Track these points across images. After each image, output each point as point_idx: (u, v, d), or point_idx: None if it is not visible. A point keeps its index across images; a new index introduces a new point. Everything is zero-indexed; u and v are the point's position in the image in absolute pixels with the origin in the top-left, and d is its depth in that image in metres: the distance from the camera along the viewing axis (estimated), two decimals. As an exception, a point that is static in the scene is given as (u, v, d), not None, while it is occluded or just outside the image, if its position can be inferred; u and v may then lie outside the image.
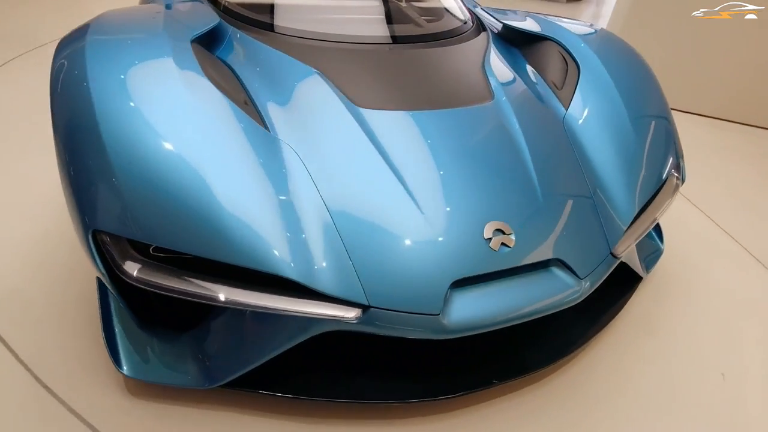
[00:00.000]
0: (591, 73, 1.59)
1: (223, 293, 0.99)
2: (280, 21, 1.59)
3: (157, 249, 1.02)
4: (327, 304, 1.01)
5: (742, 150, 2.96)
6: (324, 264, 1.02)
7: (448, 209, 1.13)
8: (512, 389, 1.32)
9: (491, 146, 1.31)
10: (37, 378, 1.22)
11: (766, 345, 1.55)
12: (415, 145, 1.24)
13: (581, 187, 1.32)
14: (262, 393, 1.14)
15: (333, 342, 1.22)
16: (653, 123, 1.55)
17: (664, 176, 1.47)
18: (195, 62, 1.23)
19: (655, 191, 1.46)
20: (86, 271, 1.49)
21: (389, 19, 1.81)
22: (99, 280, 1.28)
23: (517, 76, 1.62)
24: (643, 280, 1.65)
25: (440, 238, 1.08)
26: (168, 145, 1.03)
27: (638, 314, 1.60)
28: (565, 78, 1.62)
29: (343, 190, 1.12)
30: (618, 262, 1.29)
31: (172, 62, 1.19)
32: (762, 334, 1.59)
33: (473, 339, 1.16)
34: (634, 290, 1.56)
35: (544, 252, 1.15)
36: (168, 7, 1.60)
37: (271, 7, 1.67)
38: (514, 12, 2.09)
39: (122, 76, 1.12)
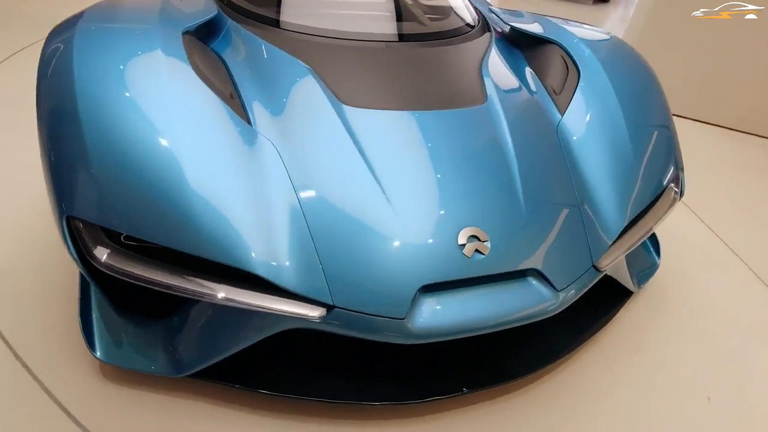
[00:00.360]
0: (591, 79, 1.54)
1: (188, 284, 1.00)
2: (276, 15, 1.58)
3: (128, 238, 1.04)
4: (292, 301, 1.01)
5: (755, 162, 2.85)
6: (292, 261, 1.02)
7: (422, 213, 1.11)
8: (489, 397, 1.30)
9: (476, 150, 1.29)
10: (15, 354, 1.25)
11: (760, 369, 1.49)
12: (397, 146, 1.22)
13: (568, 196, 1.28)
14: (232, 386, 1.15)
15: (309, 339, 1.22)
16: (653, 132, 1.50)
17: (660, 188, 1.42)
18: (183, 54, 1.24)
19: (650, 204, 1.41)
20: (75, 254, 1.52)
21: (389, 17, 1.79)
22: None
23: (514, 79, 1.58)
24: (636, 294, 1.61)
25: (412, 242, 1.06)
26: (144, 136, 1.04)
27: (627, 329, 1.56)
28: (565, 83, 1.58)
29: (318, 188, 1.11)
30: (601, 275, 1.26)
31: (158, 53, 1.20)
32: (756, 358, 1.53)
33: (451, 344, 1.15)
34: (623, 304, 1.52)
35: (520, 261, 1.12)
36: None
37: (268, 1, 1.66)
38: (525, 14, 2.04)
39: (106, 66, 1.13)
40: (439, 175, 1.19)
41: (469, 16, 1.86)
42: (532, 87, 1.57)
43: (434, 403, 1.24)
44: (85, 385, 1.20)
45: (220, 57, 1.43)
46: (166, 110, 1.09)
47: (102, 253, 1.00)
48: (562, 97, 1.54)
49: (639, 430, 1.27)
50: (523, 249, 1.14)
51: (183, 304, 1.19)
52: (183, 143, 1.05)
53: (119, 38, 1.22)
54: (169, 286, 0.99)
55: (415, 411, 1.25)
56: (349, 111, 1.26)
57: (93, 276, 1.07)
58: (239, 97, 1.28)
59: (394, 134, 1.25)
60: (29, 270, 1.49)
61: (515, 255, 1.13)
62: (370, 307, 1.01)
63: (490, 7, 2.18)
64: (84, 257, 1.02)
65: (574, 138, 1.41)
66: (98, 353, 1.16)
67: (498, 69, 1.59)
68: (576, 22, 1.93)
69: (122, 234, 1.02)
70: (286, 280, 1.00)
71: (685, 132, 3.09)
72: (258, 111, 1.25)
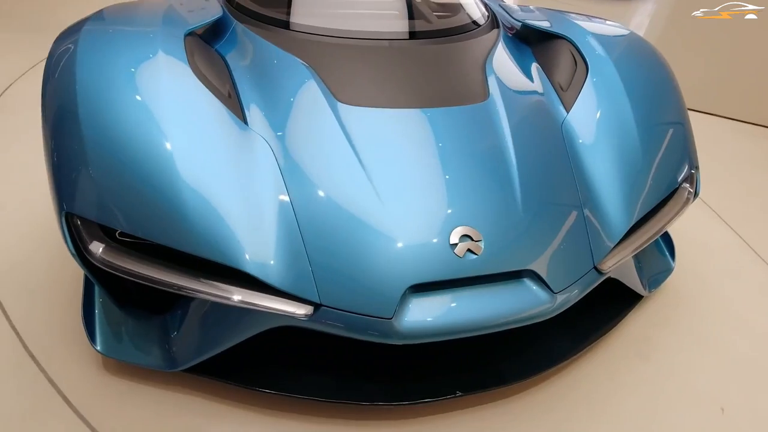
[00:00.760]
0: (600, 75, 1.49)
1: (177, 281, 1.01)
2: (279, 15, 1.59)
3: (123, 234, 1.06)
4: (279, 299, 1.01)
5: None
6: (280, 259, 1.02)
7: (413, 211, 1.09)
8: (485, 400, 1.27)
9: (474, 148, 1.26)
10: (24, 344, 1.30)
11: (780, 381, 1.41)
12: (391, 144, 1.21)
13: (570, 195, 1.24)
14: (225, 382, 1.16)
15: (304, 338, 1.22)
16: (665, 130, 1.43)
17: (671, 188, 1.36)
18: (183, 54, 1.26)
19: (661, 204, 1.35)
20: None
21: (396, 15, 1.77)
22: None
23: (519, 75, 1.54)
24: (647, 298, 1.55)
25: (401, 241, 1.05)
26: (140, 136, 1.06)
27: (636, 335, 1.49)
28: (572, 79, 1.53)
29: (309, 186, 1.11)
30: (604, 277, 1.21)
31: (159, 54, 1.22)
32: (776, 369, 1.44)
33: (448, 344, 1.14)
34: (631, 309, 1.46)
35: (515, 262, 1.09)
36: None
37: (272, 2, 1.68)
38: (537, 9, 1.99)
39: (107, 68, 1.15)
40: (432, 174, 1.17)
41: (477, 12, 1.83)
42: (538, 83, 1.53)
43: (428, 404, 1.22)
44: (86, 376, 1.24)
45: (222, 57, 1.45)
46: (162, 111, 1.10)
47: (97, 249, 1.03)
48: (568, 93, 1.49)
49: (642, 441, 1.22)
50: (519, 249, 1.11)
51: (177, 301, 1.21)
52: (177, 143, 1.07)
53: (121, 41, 1.25)
54: (159, 282, 1.01)
55: (407, 412, 1.23)
56: (345, 109, 1.25)
57: (91, 271, 1.10)
58: (237, 96, 1.29)
59: (388, 132, 1.24)
60: (40, 264, 1.55)
61: (510, 256, 1.10)
62: (357, 306, 1.01)
63: (501, 3, 2.13)
64: (81, 252, 1.05)
65: (580, 136, 1.37)
66: (98, 346, 1.19)
67: (503, 66, 1.55)
68: (592, 17, 1.87)
69: (117, 230, 1.05)
70: (274, 278, 1.00)
71: (707, 128, 2.98)
72: (255, 109, 1.26)
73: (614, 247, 1.22)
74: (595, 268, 1.18)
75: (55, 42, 1.27)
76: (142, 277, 1.01)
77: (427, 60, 1.53)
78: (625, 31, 1.73)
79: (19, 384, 1.22)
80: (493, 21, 1.85)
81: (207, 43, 1.49)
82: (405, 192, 1.12)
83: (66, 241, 1.05)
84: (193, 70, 1.23)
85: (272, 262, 1.01)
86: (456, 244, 1.06)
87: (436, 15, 1.80)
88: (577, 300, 1.17)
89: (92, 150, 1.04)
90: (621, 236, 1.23)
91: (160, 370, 1.17)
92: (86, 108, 1.09)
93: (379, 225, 1.06)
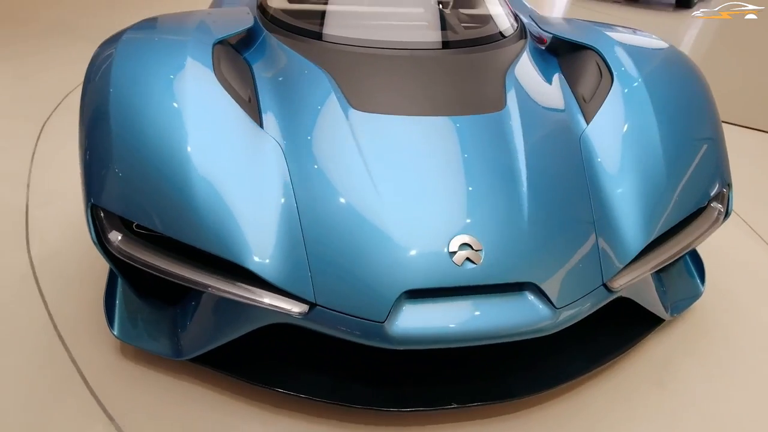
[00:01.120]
0: (625, 86, 1.44)
1: (184, 272, 1.07)
2: (306, 25, 1.65)
3: (139, 227, 1.13)
4: (276, 296, 1.04)
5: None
6: (281, 258, 1.05)
7: (415, 218, 1.10)
8: (486, 414, 1.24)
9: (483, 157, 1.25)
10: (54, 325, 1.41)
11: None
12: (400, 151, 1.22)
13: (582, 209, 1.20)
14: (228, 374, 1.21)
15: (310, 339, 1.25)
16: (694, 145, 1.36)
17: (696, 206, 1.29)
18: (209, 61, 1.33)
19: (685, 222, 1.29)
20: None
21: (423, 26, 1.79)
22: None
23: (540, 86, 1.52)
24: (672, 321, 1.46)
25: (399, 246, 1.06)
26: (161, 137, 1.13)
27: (656, 360, 1.41)
28: (596, 90, 1.49)
29: (315, 189, 1.14)
30: (614, 296, 1.16)
31: (187, 61, 1.30)
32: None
33: (453, 353, 1.15)
34: (650, 332, 1.39)
35: (516, 274, 1.07)
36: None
37: (299, 13, 1.75)
38: (569, 20, 1.96)
39: (138, 73, 1.24)
40: (437, 181, 1.17)
41: (505, 23, 1.81)
42: (559, 94, 1.50)
43: (428, 412, 1.21)
44: (104, 359, 1.32)
45: (249, 64, 1.52)
46: (184, 113, 1.17)
47: (115, 238, 1.11)
48: (591, 105, 1.45)
49: (651, 472, 1.15)
50: (520, 262, 1.09)
51: (189, 294, 1.27)
52: (195, 144, 1.13)
53: (155, 48, 1.35)
54: (166, 272, 1.07)
55: (407, 419, 1.22)
56: (357, 115, 1.28)
57: (110, 259, 1.18)
58: (257, 100, 1.35)
59: (398, 138, 1.25)
60: (79, 254, 1.67)
61: (510, 267, 1.08)
62: (350, 308, 1.02)
63: (531, 14, 2.11)
64: (102, 242, 1.13)
65: (598, 148, 1.33)
66: (115, 331, 1.27)
67: (524, 76, 1.54)
68: (626, 27, 1.80)
69: (134, 223, 1.12)
70: (273, 276, 1.03)
71: (751, 141, 2.78)
72: (271, 114, 1.31)
73: (627, 265, 1.17)
74: (605, 285, 1.14)
75: (97, 48, 1.39)
76: (151, 267, 1.08)
77: (446, 69, 1.54)
78: (658, 42, 1.66)
79: (45, 360, 1.32)
80: (522, 32, 1.83)
81: (237, 51, 1.57)
82: (407, 198, 1.13)
83: (90, 231, 1.13)
84: (217, 76, 1.30)
85: (273, 260, 1.05)
86: (455, 253, 1.06)
87: (464, 26, 1.81)
88: (582, 317, 1.13)
89: (118, 147, 1.13)
90: (635, 254, 1.17)
91: (168, 357, 1.23)
92: (117, 109, 1.17)
93: (379, 229, 1.07)
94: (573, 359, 1.31)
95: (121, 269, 1.22)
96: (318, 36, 1.60)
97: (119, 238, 1.11)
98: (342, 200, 1.12)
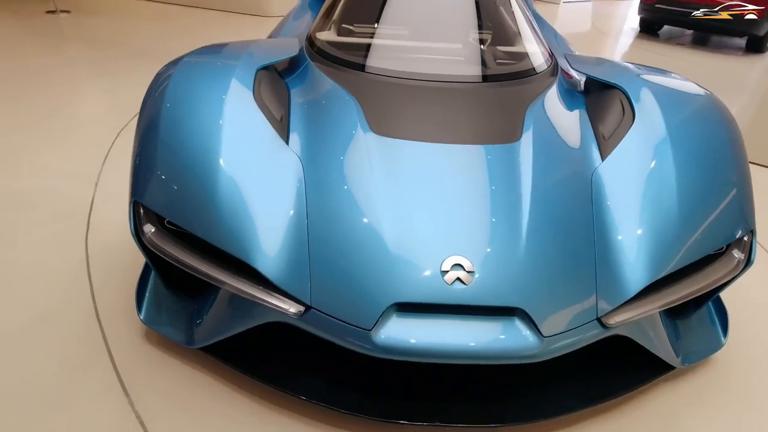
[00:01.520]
0: (646, 126, 1.44)
1: (201, 266, 1.20)
2: (342, 55, 1.79)
3: (170, 223, 1.28)
4: (277, 295, 1.14)
5: None
6: (286, 262, 1.15)
7: (414, 236, 1.16)
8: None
9: (491, 185, 1.29)
10: (95, 304, 1.60)
11: None
12: (410, 173, 1.29)
13: (584, 243, 1.21)
14: (228, 365, 1.31)
15: (320, 346, 1.32)
16: (714, 188, 1.33)
17: (712, 250, 1.26)
18: (251, 84, 1.49)
19: (698, 266, 1.25)
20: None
21: (460, 60, 1.86)
22: None
23: (561, 121, 1.55)
24: (686, 370, 1.40)
25: (395, 261, 1.12)
26: (199, 147, 1.28)
27: (662, 410, 1.35)
28: (617, 128, 1.50)
29: (326, 201, 1.24)
30: (609, 333, 1.15)
31: (231, 83, 1.46)
32: None
33: (455, 373, 1.21)
34: (655, 379, 1.34)
35: (504, 299, 1.10)
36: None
37: (340, 45, 1.90)
38: (602, 60, 1.97)
39: (189, 91, 1.42)
40: (441, 204, 1.23)
41: (538, 60, 1.86)
42: (577, 131, 1.52)
43: (411, 427, 1.24)
44: (131, 340, 1.48)
45: (288, 88, 1.68)
46: (220, 129, 1.31)
47: (148, 231, 1.26)
48: (609, 142, 1.46)
49: None
50: (512, 287, 1.11)
51: (206, 289, 1.40)
52: (226, 155, 1.27)
53: (205, 71, 1.53)
54: (185, 264, 1.20)
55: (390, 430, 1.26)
56: (375, 138, 1.37)
57: (145, 251, 1.33)
58: (288, 120, 1.49)
59: (410, 162, 1.33)
60: (125, 249, 1.87)
61: (500, 291, 1.10)
62: (341, 314, 1.09)
63: (568, 52, 2.15)
64: (138, 234, 1.29)
65: (609, 185, 1.33)
66: (142, 316, 1.42)
67: (545, 111, 1.57)
68: (658, 69, 1.80)
69: (165, 219, 1.27)
70: (276, 276, 1.13)
71: None
72: (298, 132, 1.44)
73: (627, 303, 1.16)
74: (599, 320, 1.13)
75: (161, 69, 1.60)
76: (174, 258, 1.22)
77: (471, 101, 1.61)
78: (688, 85, 1.64)
79: (81, 334, 1.50)
80: (554, 69, 1.88)
81: (281, 76, 1.74)
82: (410, 216, 1.19)
83: (130, 224, 1.30)
84: (255, 97, 1.46)
85: (277, 263, 1.15)
86: (447, 272, 1.10)
87: (498, 62, 1.88)
88: (573, 349, 1.12)
89: (163, 154, 1.30)
90: (634, 292, 1.16)
91: (182, 344, 1.36)
92: (166, 121, 1.35)
93: (378, 243, 1.15)
94: (572, 393, 1.29)
95: (153, 260, 1.38)
96: (352, 66, 1.74)
97: (152, 230, 1.26)
98: (348, 213, 1.21)
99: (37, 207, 2.15)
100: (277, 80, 1.69)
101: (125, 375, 1.37)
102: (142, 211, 1.29)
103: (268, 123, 1.40)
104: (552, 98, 1.66)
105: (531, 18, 2.15)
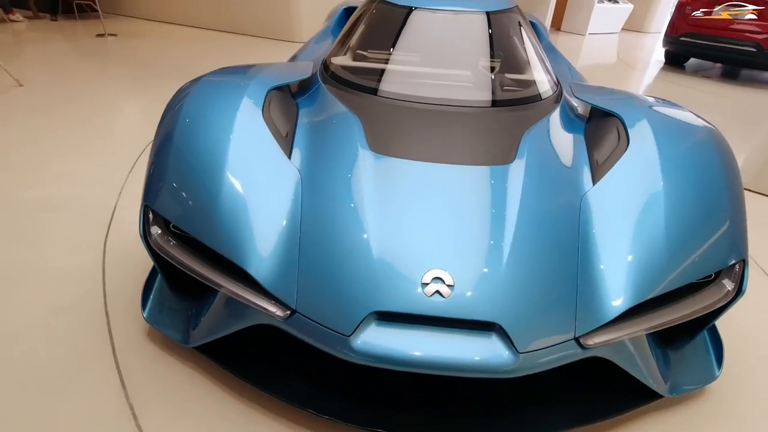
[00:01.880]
0: (638, 153, 1.46)
1: (199, 267, 1.28)
2: (352, 78, 1.89)
3: (175, 227, 1.37)
4: (265, 298, 1.20)
5: None
6: (276, 267, 1.22)
7: (398, 248, 1.21)
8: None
9: (478, 204, 1.33)
10: (105, 302, 1.70)
11: None
12: (402, 189, 1.35)
13: (567, 264, 1.23)
14: (223, 366, 1.37)
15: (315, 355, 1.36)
16: (704, 218, 1.33)
17: (699, 277, 1.26)
18: (261, 102, 1.59)
19: (687, 294, 1.26)
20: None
21: (468, 87, 1.92)
22: None
23: (558, 146, 1.59)
24: (677, 397, 1.37)
25: (378, 271, 1.17)
26: (207, 158, 1.37)
27: (651, 437, 1.32)
28: (611, 155, 1.52)
29: (319, 213, 1.31)
30: (587, 354, 1.16)
31: (243, 101, 1.56)
32: None
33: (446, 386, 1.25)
34: (638, 407, 1.32)
35: (481, 313, 1.13)
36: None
37: (351, 69, 2.00)
38: (605, 89, 2.01)
39: (204, 107, 1.53)
40: (428, 219, 1.28)
41: (543, 87, 1.92)
42: (572, 156, 1.55)
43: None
44: (135, 336, 1.56)
45: (297, 107, 1.79)
46: (228, 143, 1.41)
47: (154, 232, 1.36)
48: (601, 168, 1.49)
49: None
50: (490, 302, 1.14)
51: (205, 293, 1.48)
52: (231, 167, 1.36)
53: (220, 89, 1.65)
54: (184, 265, 1.28)
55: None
56: (372, 156, 1.44)
57: (151, 252, 1.42)
58: (293, 137, 1.59)
59: (403, 179, 1.38)
60: (140, 253, 1.97)
61: (477, 306, 1.13)
62: (323, 319, 1.14)
63: (573, 82, 2.19)
64: (146, 236, 1.39)
65: (597, 209, 1.35)
66: (145, 314, 1.50)
67: (543, 135, 1.62)
68: (664, 100, 1.80)
69: (171, 223, 1.37)
70: (266, 280, 1.20)
71: None
72: (301, 148, 1.53)
73: (607, 324, 1.17)
74: (577, 340, 1.14)
75: (183, 85, 1.73)
76: (175, 259, 1.30)
77: (471, 124, 1.66)
78: (687, 115, 1.65)
79: (88, 326, 1.59)
80: (558, 96, 1.93)
81: (293, 95, 1.85)
82: (396, 230, 1.24)
83: (139, 226, 1.40)
84: (264, 115, 1.56)
85: (269, 268, 1.22)
86: (427, 284, 1.15)
87: (504, 88, 1.94)
88: (549, 367, 1.14)
89: (174, 163, 1.40)
90: (615, 315, 1.17)
91: (179, 343, 1.43)
92: (180, 133, 1.46)
93: (363, 254, 1.20)
94: (560, 413, 1.30)
95: (158, 262, 1.47)
96: (359, 88, 1.83)
97: (159, 233, 1.36)
98: (338, 224, 1.27)
99: (63, 210, 2.30)
100: (288, 100, 1.80)
101: (125, 369, 1.45)
102: (151, 214, 1.39)
103: (273, 138, 1.49)
104: (551, 123, 1.70)
105: (538, 46, 2.21)
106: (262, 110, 1.57)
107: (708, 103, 5.03)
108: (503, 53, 2.10)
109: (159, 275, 1.60)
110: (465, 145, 1.55)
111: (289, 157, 1.48)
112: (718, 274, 1.31)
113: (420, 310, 1.12)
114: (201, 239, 1.28)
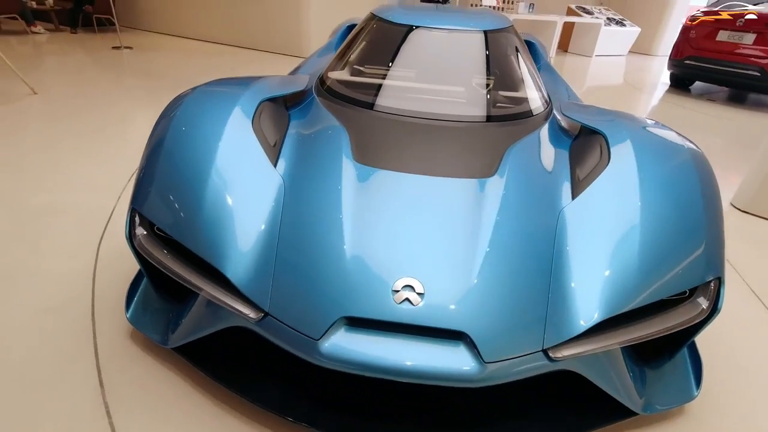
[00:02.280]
0: (618, 170, 1.47)
1: (179, 269, 1.31)
2: (344, 92, 1.94)
3: (159, 230, 1.41)
4: (239, 300, 1.23)
5: None
6: (252, 271, 1.25)
7: (371, 256, 1.23)
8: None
9: (454, 215, 1.35)
10: (93, 301, 1.73)
11: None
12: (381, 200, 1.37)
13: (539, 277, 1.24)
14: (199, 369, 1.39)
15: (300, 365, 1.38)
16: (680, 236, 1.33)
17: (670, 294, 1.26)
18: (251, 113, 1.64)
19: (652, 309, 1.26)
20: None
21: (460, 102, 1.95)
22: None
23: (541, 161, 1.61)
24: (654, 417, 1.36)
25: (349, 277, 1.19)
26: (195, 165, 1.42)
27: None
28: (591, 171, 1.54)
29: (298, 220, 1.33)
30: (555, 366, 1.16)
31: (233, 111, 1.61)
32: None
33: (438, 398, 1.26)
34: (612, 423, 1.31)
35: (449, 321, 1.14)
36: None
37: (345, 83, 2.05)
38: (593, 108, 2.03)
39: (195, 115, 1.58)
40: (403, 229, 1.30)
41: (536, 103, 1.95)
42: (554, 172, 1.57)
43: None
44: (117, 336, 1.59)
45: (290, 118, 1.84)
46: (215, 150, 1.45)
47: (139, 235, 1.40)
48: (582, 184, 1.50)
49: None
50: (458, 311, 1.15)
51: (187, 296, 1.51)
52: (217, 174, 1.40)
53: (213, 99, 1.70)
54: (166, 267, 1.32)
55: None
56: (355, 167, 1.48)
57: (136, 254, 1.46)
58: (280, 146, 1.63)
59: (383, 190, 1.41)
60: (131, 256, 2.02)
61: (446, 315, 1.14)
62: (294, 322, 1.16)
63: (565, 102, 2.21)
64: (131, 238, 1.43)
65: (573, 224, 1.37)
66: (128, 314, 1.53)
67: (528, 150, 1.64)
68: (652, 120, 1.82)
69: (155, 226, 1.41)
70: (242, 283, 1.23)
71: None
72: (287, 158, 1.57)
73: (576, 338, 1.17)
74: (545, 352, 1.15)
75: (179, 94, 1.79)
76: (157, 261, 1.34)
77: (457, 138, 1.69)
78: (671, 134, 1.67)
79: (74, 331, 1.62)
80: (548, 114, 1.96)
81: (287, 107, 1.90)
82: (371, 238, 1.27)
83: (125, 228, 1.44)
84: (253, 124, 1.60)
85: (245, 271, 1.25)
86: (398, 291, 1.16)
87: (496, 105, 1.97)
88: (517, 378, 1.14)
89: (163, 168, 1.45)
90: (584, 329, 1.17)
91: (159, 344, 1.45)
92: (171, 140, 1.51)
93: (337, 260, 1.22)
94: (540, 424, 1.31)
95: (143, 263, 1.50)
96: (351, 101, 1.88)
97: (143, 234, 1.40)
98: (315, 231, 1.30)
99: (64, 215, 2.36)
100: (281, 111, 1.85)
101: (105, 369, 1.47)
102: (137, 217, 1.44)
103: (261, 147, 1.53)
104: (537, 139, 1.73)
105: (530, 64, 2.25)
106: (252, 120, 1.62)
107: (711, 125, 5.02)
108: (497, 70, 2.14)
109: (145, 277, 1.63)
110: (449, 158, 1.58)
111: (275, 166, 1.52)
112: (693, 292, 1.31)
113: (389, 317, 1.14)
114: (183, 242, 1.32)
